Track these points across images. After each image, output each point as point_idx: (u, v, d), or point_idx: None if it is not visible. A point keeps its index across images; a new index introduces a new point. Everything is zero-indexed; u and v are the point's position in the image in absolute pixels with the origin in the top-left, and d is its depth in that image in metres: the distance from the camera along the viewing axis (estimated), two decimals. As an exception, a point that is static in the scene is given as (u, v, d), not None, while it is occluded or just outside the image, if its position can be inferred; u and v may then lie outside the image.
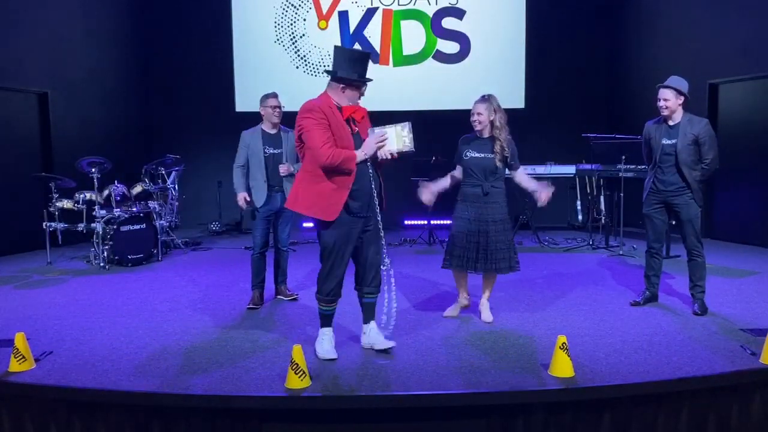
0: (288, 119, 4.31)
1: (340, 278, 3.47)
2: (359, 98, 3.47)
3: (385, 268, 3.54)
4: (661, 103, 4.34)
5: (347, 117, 3.37)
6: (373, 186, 3.38)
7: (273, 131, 4.74)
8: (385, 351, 3.55)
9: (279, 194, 4.68)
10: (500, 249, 4.09)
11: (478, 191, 4.09)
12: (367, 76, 3.42)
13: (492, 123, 4.05)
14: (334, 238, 3.37)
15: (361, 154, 3.31)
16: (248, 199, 4.71)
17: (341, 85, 3.38)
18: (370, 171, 3.36)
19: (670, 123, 4.38)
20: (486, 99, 4.06)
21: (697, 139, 4.27)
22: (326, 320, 3.57)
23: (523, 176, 4.20)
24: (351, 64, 3.36)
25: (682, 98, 4.32)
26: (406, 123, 3.37)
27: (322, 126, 3.27)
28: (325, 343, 3.54)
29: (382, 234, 3.49)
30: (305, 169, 3.41)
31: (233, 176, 4.77)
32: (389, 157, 3.37)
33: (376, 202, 3.44)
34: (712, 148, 4.30)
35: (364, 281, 3.57)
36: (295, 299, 4.90)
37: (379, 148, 3.34)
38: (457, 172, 4.26)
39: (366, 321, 3.65)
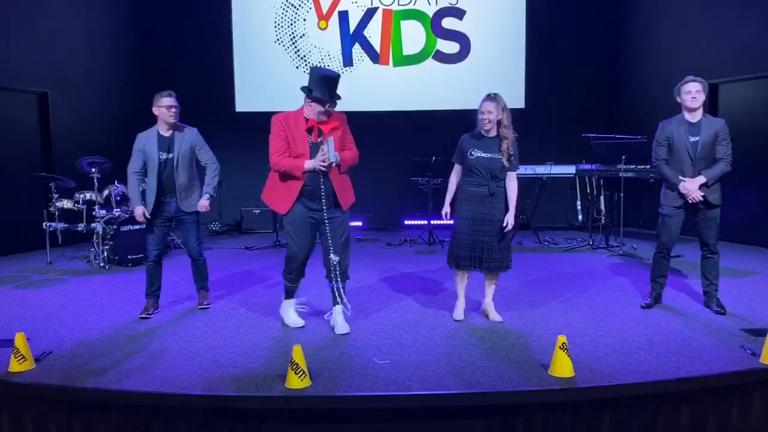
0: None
1: (299, 262, 3.99)
2: (324, 114, 3.80)
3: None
4: (694, 95, 4.21)
5: (308, 128, 3.82)
6: (322, 187, 3.83)
7: (167, 133, 4.47)
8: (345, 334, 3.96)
9: (173, 201, 4.44)
10: (502, 248, 4.12)
11: (484, 191, 4.06)
12: (328, 96, 3.75)
13: (500, 122, 4.04)
14: (288, 226, 3.98)
15: (309, 165, 3.79)
16: (147, 215, 4.38)
17: (309, 100, 3.81)
18: (321, 177, 3.82)
19: (692, 120, 4.28)
20: (494, 98, 4.03)
21: (717, 137, 4.21)
22: (289, 293, 4.17)
23: (512, 183, 4.14)
24: (314, 82, 3.76)
25: (704, 97, 4.27)
26: (329, 138, 3.75)
27: (279, 137, 3.83)
28: (290, 313, 4.19)
29: (342, 231, 3.96)
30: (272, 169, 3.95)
31: (128, 183, 4.46)
32: (325, 168, 3.79)
33: (332, 203, 3.90)
34: (729, 143, 4.26)
35: (326, 270, 4.03)
36: (206, 309, 4.64)
37: (323, 163, 3.77)
38: (458, 173, 4.24)
39: (333, 304, 4.08)
